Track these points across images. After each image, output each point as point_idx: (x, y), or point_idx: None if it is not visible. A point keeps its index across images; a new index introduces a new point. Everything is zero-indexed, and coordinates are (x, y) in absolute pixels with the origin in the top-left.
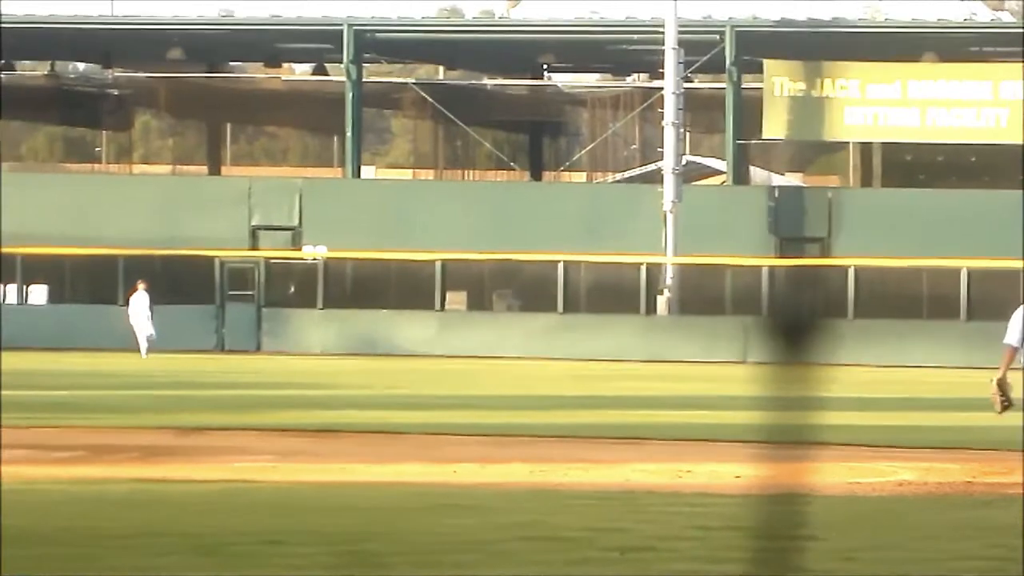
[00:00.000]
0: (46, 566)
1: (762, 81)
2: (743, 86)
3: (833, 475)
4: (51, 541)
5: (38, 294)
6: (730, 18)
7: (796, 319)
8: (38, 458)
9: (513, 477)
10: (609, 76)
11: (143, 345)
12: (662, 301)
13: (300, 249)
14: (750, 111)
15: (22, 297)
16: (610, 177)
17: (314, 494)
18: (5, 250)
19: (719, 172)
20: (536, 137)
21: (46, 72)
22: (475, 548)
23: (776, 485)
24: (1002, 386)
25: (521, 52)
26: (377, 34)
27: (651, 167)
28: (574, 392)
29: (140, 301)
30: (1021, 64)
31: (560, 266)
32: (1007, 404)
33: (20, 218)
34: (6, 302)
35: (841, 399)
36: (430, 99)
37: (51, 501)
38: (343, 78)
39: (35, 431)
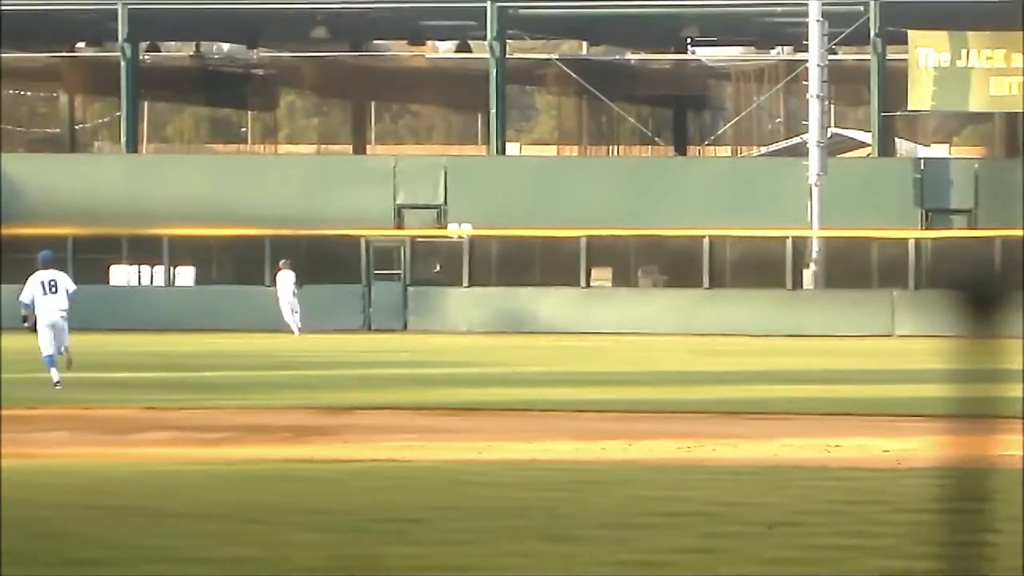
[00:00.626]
0: (200, 543)
1: (907, 52)
2: (888, 57)
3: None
4: (205, 519)
5: (185, 275)
6: None
7: (986, 290)
8: (188, 439)
9: (660, 453)
10: (753, 49)
11: (294, 324)
12: (808, 274)
13: (445, 227)
14: (895, 82)
15: (169, 279)
16: (755, 151)
17: (461, 472)
18: (152, 231)
19: (864, 144)
20: (680, 111)
21: (191, 53)
22: (623, 524)
23: (964, 458)
24: None
25: (664, 26)
26: (520, 10)
27: (796, 140)
28: (720, 367)
29: (285, 280)
30: None
31: (705, 241)
32: None
33: (166, 199)
34: (153, 284)
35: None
36: (574, 75)
37: (201, 482)
38: (487, 55)
39: (185, 412)
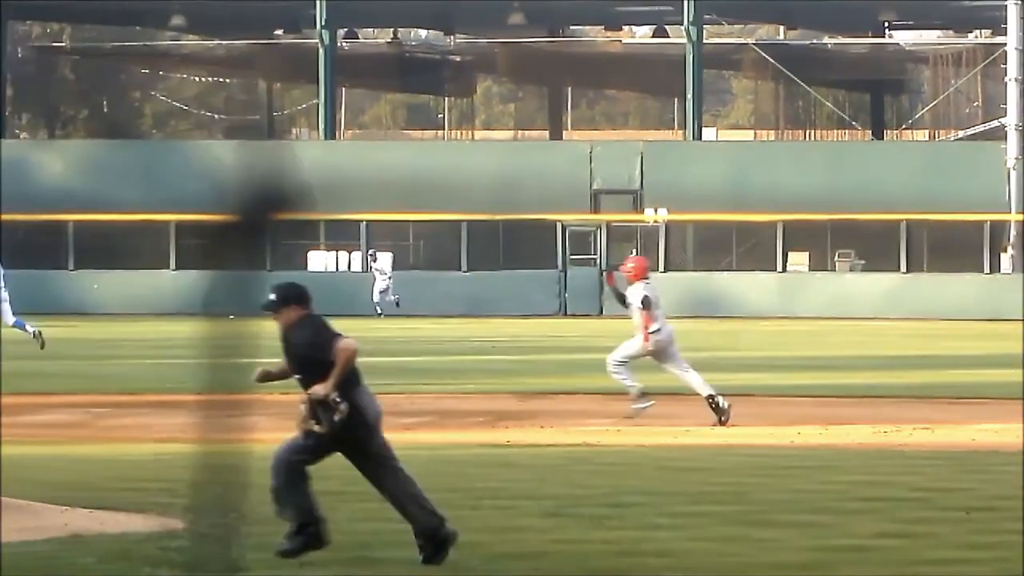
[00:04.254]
0: (402, 528)
1: None
2: None
3: None
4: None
5: (383, 261)
6: None
7: None
8: (387, 424)
9: (857, 438)
10: (951, 32)
11: (381, 306)
12: (1005, 258)
13: (642, 212)
14: None
15: (367, 264)
16: (952, 134)
17: (658, 457)
18: (350, 217)
19: None
20: (877, 96)
21: (388, 40)
22: (821, 509)
23: None
24: None
25: (861, 10)
26: None
27: (994, 124)
28: (918, 352)
29: (384, 263)
30: None
31: (902, 224)
32: None
33: (364, 185)
34: (351, 269)
35: None
36: (771, 59)
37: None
38: (683, 40)
39: (382, 398)
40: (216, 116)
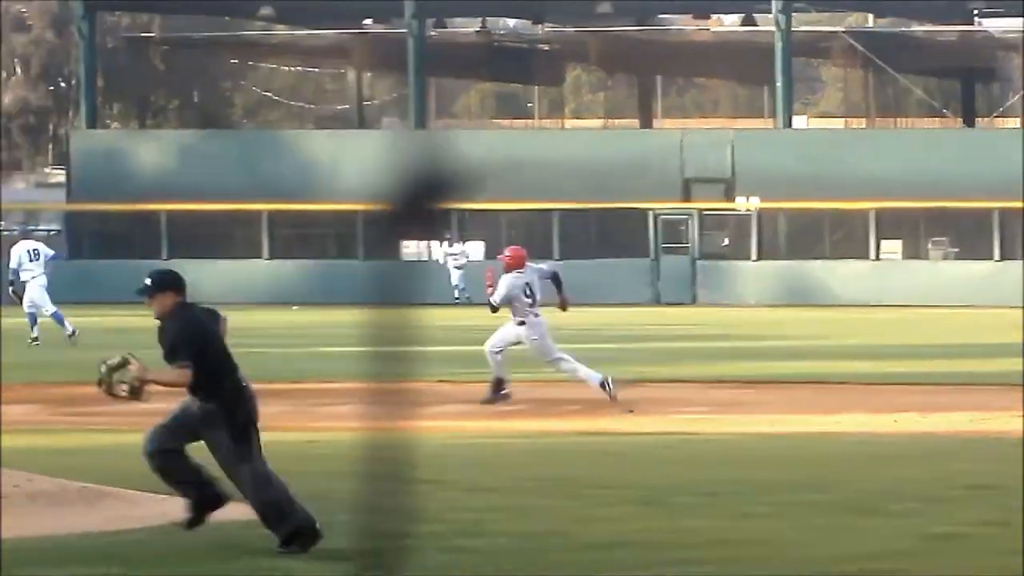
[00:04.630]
0: (491, 517)
1: None
2: None
3: None
4: (501, 492)
5: (476, 250)
6: None
7: None
8: (482, 412)
9: (953, 426)
10: None
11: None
12: None
13: (733, 200)
14: None
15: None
16: None
17: (753, 445)
18: (449, 206)
19: None
20: (968, 83)
21: (477, 29)
22: (923, 496)
23: None
24: None
25: None
26: None
27: None
28: (1012, 340)
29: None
30: None
31: (995, 212)
32: None
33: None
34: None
35: None
36: (860, 47)
37: (493, 455)
38: (772, 28)
39: (478, 386)
40: (306, 106)
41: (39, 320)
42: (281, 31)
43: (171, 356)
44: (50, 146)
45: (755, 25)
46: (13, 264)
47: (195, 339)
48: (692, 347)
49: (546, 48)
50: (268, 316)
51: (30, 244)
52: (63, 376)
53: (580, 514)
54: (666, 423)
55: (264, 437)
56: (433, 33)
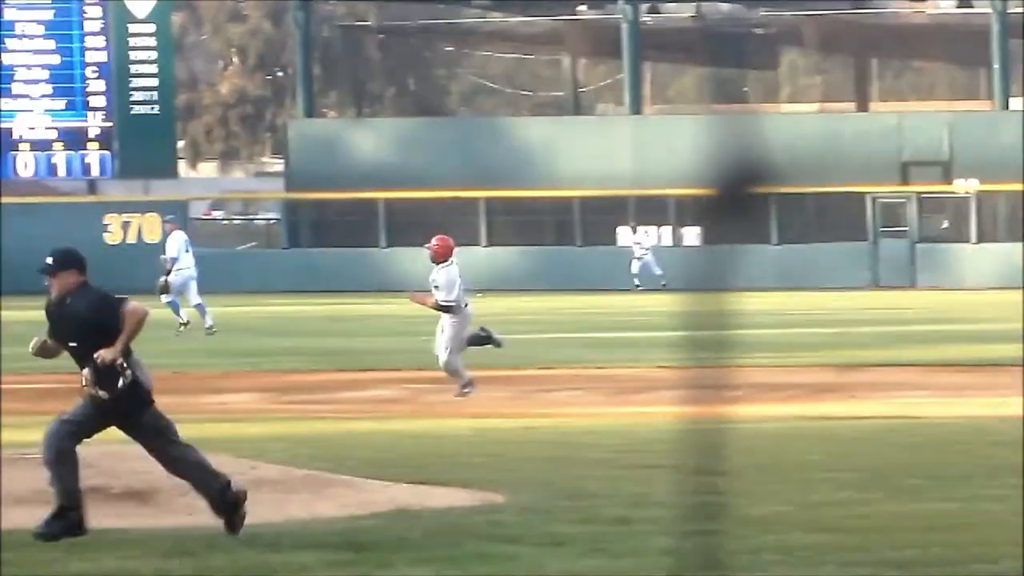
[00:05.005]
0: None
1: None
2: None
3: None
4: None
5: (691, 236)
6: None
7: None
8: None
9: None
10: None
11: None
12: None
13: (951, 183)
14: None
15: (676, 239)
16: None
17: (979, 428)
18: (659, 193)
19: None
20: None
21: (691, 14)
22: None
23: None
24: None
25: None
26: None
27: None
28: None
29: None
30: None
31: None
32: None
33: (671, 160)
34: (661, 244)
35: None
36: None
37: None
38: (988, 10)
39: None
40: (522, 93)
41: (182, 309)
42: (496, 18)
43: (85, 329)
44: (268, 135)
45: (971, 7)
46: (173, 253)
47: (116, 301)
48: (912, 331)
49: (761, 32)
50: (486, 304)
51: (185, 236)
52: (283, 365)
53: (806, 498)
54: (889, 407)
55: (483, 423)
56: (647, 19)
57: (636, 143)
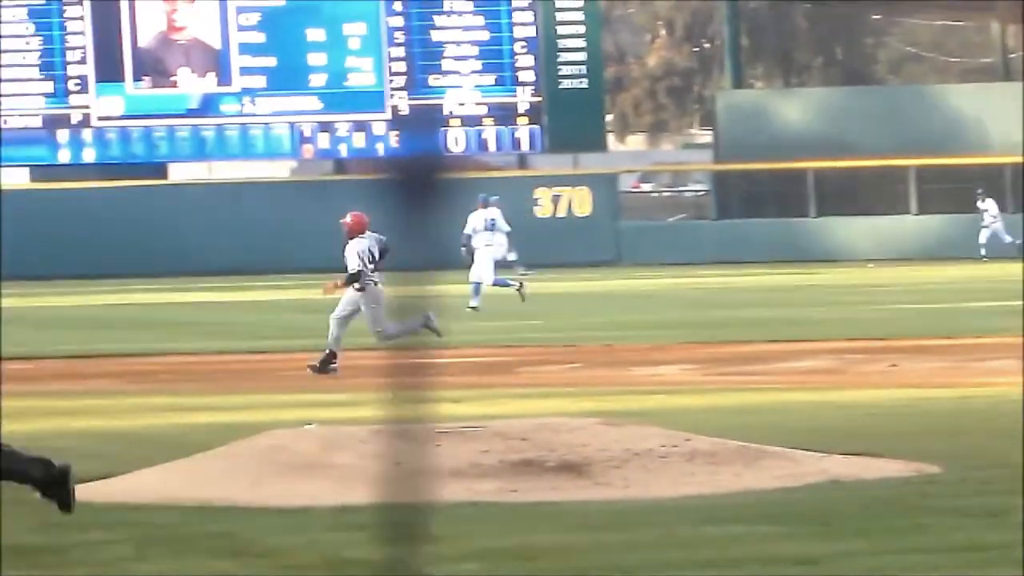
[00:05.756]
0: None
1: None
2: None
3: None
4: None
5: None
6: None
7: None
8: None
9: None
10: None
11: None
12: None
13: None
14: None
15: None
16: None
17: None
18: (983, 160)
19: None
20: None
21: None
22: None
23: None
24: None
25: None
26: None
27: None
28: None
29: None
30: None
31: None
32: None
33: None
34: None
35: None
36: None
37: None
38: None
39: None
40: (951, 59)
41: (482, 292)
42: None
43: None
44: (695, 107)
45: None
46: (468, 230)
47: None
48: None
49: None
50: (917, 272)
51: (488, 213)
52: (715, 336)
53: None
54: None
55: (917, 393)
56: None
57: None
